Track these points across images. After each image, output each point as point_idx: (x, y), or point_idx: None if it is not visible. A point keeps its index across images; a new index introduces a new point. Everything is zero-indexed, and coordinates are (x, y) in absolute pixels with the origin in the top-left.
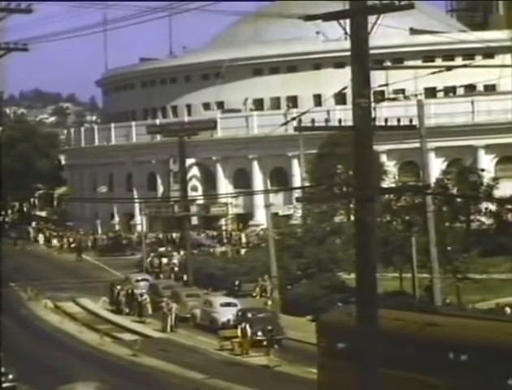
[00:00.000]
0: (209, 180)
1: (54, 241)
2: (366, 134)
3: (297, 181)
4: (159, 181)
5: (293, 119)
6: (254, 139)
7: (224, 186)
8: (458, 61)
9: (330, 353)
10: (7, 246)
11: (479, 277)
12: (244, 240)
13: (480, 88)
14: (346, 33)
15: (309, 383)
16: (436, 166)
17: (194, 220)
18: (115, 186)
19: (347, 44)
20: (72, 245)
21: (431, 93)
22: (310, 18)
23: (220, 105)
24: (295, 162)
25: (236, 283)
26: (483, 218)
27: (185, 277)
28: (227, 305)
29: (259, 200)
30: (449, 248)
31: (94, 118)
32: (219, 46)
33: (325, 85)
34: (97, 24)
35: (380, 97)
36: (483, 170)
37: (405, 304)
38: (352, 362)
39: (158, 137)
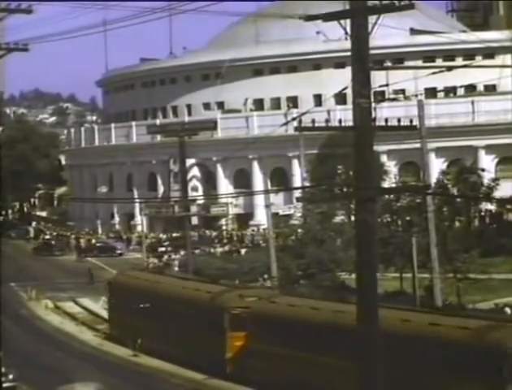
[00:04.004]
0: (209, 180)
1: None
2: (367, 134)
3: (297, 181)
4: (159, 181)
5: (294, 119)
6: (255, 139)
7: (224, 186)
8: (459, 61)
9: (117, 307)
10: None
11: (480, 277)
12: (244, 240)
13: (481, 88)
14: (347, 33)
15: None
16: (437, 167)
17: (195, 220)
18: (116, 186)
19: (347, 44)
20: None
21: (431, 93)
22: (310, 18)
23: (220, 105)
24: (295, 162)
25: (237, 283)
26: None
27: None
28: None
29: (259, 200)
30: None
31: (94, 118)
32: (219, 46)
33: (325, 85)
34: (98, 25)
35: (381, 97)
36: (483, 170)
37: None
38: (134, 315)
39: (159, 137)
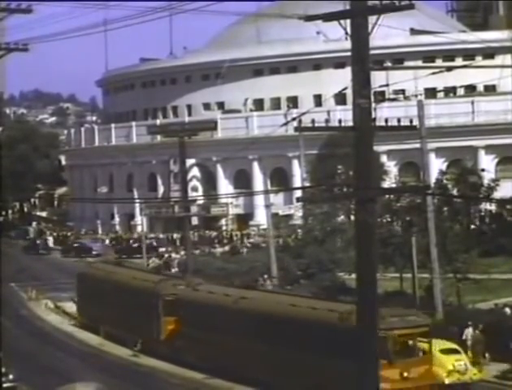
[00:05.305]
0: (209, 181)
1: None
2: (367, 134)
3: (297, 181)
4: (160, 182)
5: (294, 119)
6: (254, 139)
7: (225, 186)
8: (459, 61)
9: (85, 296)
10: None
11: (480, 277)
12: (244, 240)
13: (480, 88)
14: (347, 34)
15: None
16: (437, 167)
17: (195, 220)
18: (116, 186)
19: (347, 44)
20: None
21: (431, 93)
22: (310, 18)
23: (220, 105)
24: (295, 162)
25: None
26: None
27: None
28: None
29: (259, 200)
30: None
31: (94, 118)
32: (219, 47)
33: (325, 86)
34: (98, 24)
35: (381, 97)
36: (483, 170)
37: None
38: (94, 303)
39: (159, 138)
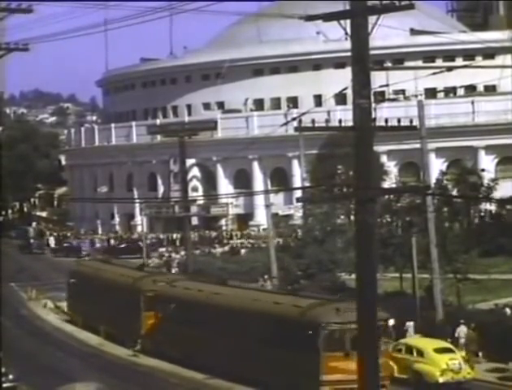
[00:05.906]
0: (209, 181)
1: None
2: (367, 134)
3: (297, 181)
4: (160, 181)
5: (294, 119)
6: (255, 139)
7: (225, 186)
8: (459, 61)
9: (74, 292)
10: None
11: (480, 277)
12: (244, 240)
13: (481, 88)
14: (347, 34)
15: None
16: (437, 167)
17: (195, 220)
18: (116, 186)
19: (347, 44)
20: None
21: (431, 93)
22: (310, 18)
23: (221, 105)
24: (295, 162)
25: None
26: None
27: None
28: None
29: (259, 200)
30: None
31: (95, 118)
32: (219, 46)
33: (325, 86)
34: (98, 24)
35: (381, 97)
36: (483, 170)
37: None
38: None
39: (159, 137)
